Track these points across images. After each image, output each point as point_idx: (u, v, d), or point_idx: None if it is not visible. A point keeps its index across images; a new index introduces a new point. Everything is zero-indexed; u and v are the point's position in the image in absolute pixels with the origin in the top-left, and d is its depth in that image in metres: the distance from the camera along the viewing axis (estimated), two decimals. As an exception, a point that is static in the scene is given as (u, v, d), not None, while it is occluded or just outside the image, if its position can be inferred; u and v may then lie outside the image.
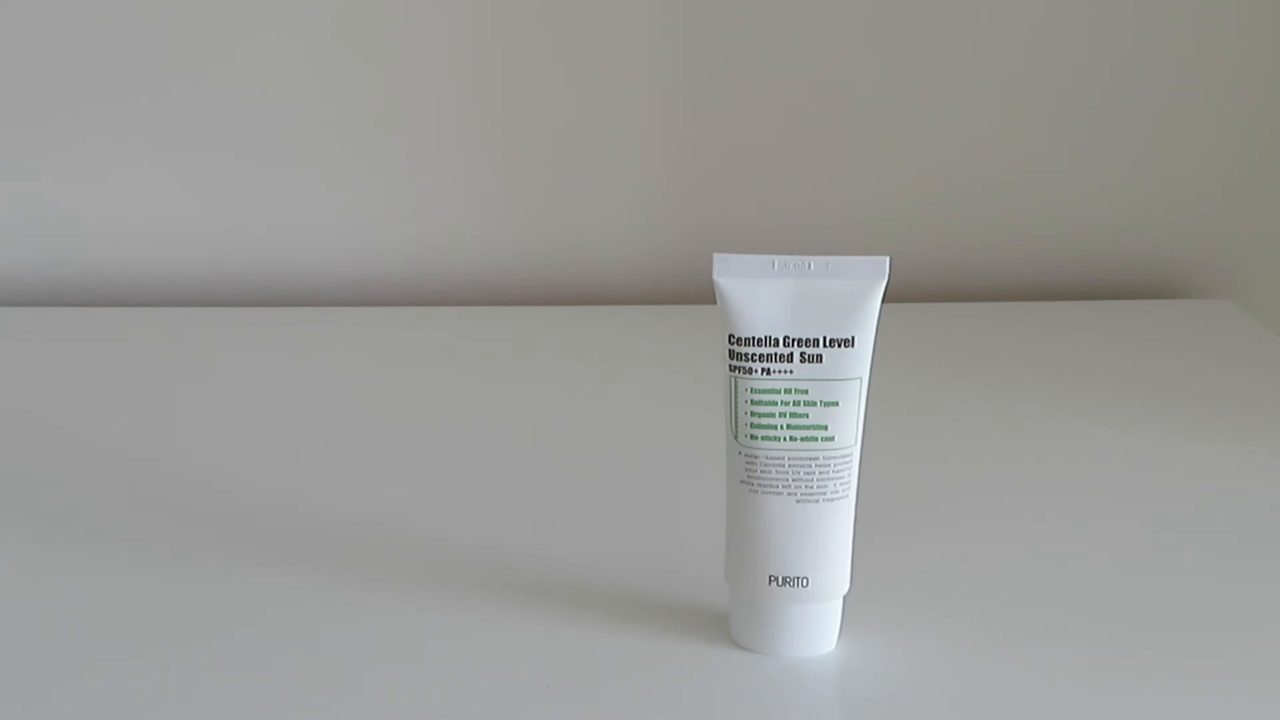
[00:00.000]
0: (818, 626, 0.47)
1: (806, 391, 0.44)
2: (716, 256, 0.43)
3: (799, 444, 0.44)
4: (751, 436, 0.44)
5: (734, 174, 0.80)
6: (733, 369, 0.44)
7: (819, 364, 0.43)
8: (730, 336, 0.44)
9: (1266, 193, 0.82)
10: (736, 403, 0.44)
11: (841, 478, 0.45)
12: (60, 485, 0.58)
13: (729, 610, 0.48)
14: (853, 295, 0.43)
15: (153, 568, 0.51)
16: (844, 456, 0.45)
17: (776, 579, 0.46)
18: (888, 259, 0.43)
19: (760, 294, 0.43)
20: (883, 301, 0.43)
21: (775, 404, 0.44)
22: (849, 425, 0.44)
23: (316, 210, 0.80)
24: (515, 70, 0.76)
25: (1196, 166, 0.81)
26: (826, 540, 0.45)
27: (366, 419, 0.65)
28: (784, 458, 0.44)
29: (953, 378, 0.70)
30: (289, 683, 0.44)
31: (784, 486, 0.45)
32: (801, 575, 0.46)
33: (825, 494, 0.45)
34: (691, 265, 0.74)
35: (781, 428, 0.44)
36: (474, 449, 0.62)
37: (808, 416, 0.44)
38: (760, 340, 0.43)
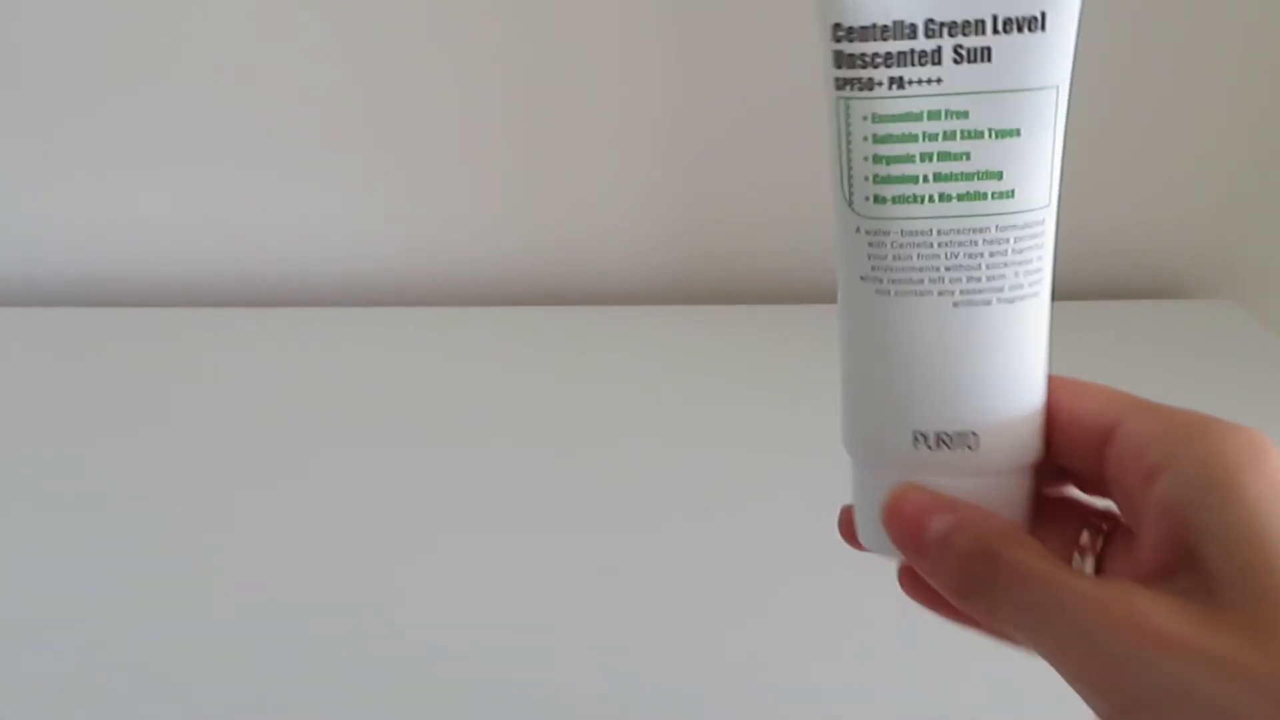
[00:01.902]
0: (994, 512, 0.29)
1: (966, 114, 0.27)
2: None
3: (956, 204, 0.27)
4: (878, 198, 0.28)
5: (732, 174, 0.79)
6: (842, 84, 0.27)
7: (986, 64, 0.27)
8: (836, 28, 0.27)
9: (1266, 193, 0.80)
10: (850, 142, 0.28)
11: (1027, 262, 0.28)
12: (57, 487, 0.56)
13: (850, 495, 0.31)
14: None
15: (149, 567, 0.50)
16: (1031, 226, 0.28)
17: (926, 437, 0.29)
18: None
19: None
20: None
21: (915, 138, 0.27)
22: (1038, 172, 0.27)
23: (315, 211, 0.79)
24: (513, 70, 0.75)
25: (1196, 166, 0.79)
26: (1007, 369, 0.28)
27: (365, 418, 0.63)
28: (932, 230, 0.28)
29: None
30: (286, 682, 0.44)
31: (934, 281, 0.28)
32: (967, 429, 0.28)
33: (1001, 291, 0.28)
34: (689, 265, 0.80)
35: (927, 179, 0.27)
36: (473, 449, 0.60)
37: (969, 158, 0.27)
38: (887, 30, 0.27)
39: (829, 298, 0.30)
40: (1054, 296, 0.81)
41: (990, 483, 0.29)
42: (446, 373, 0.69)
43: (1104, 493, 0.29)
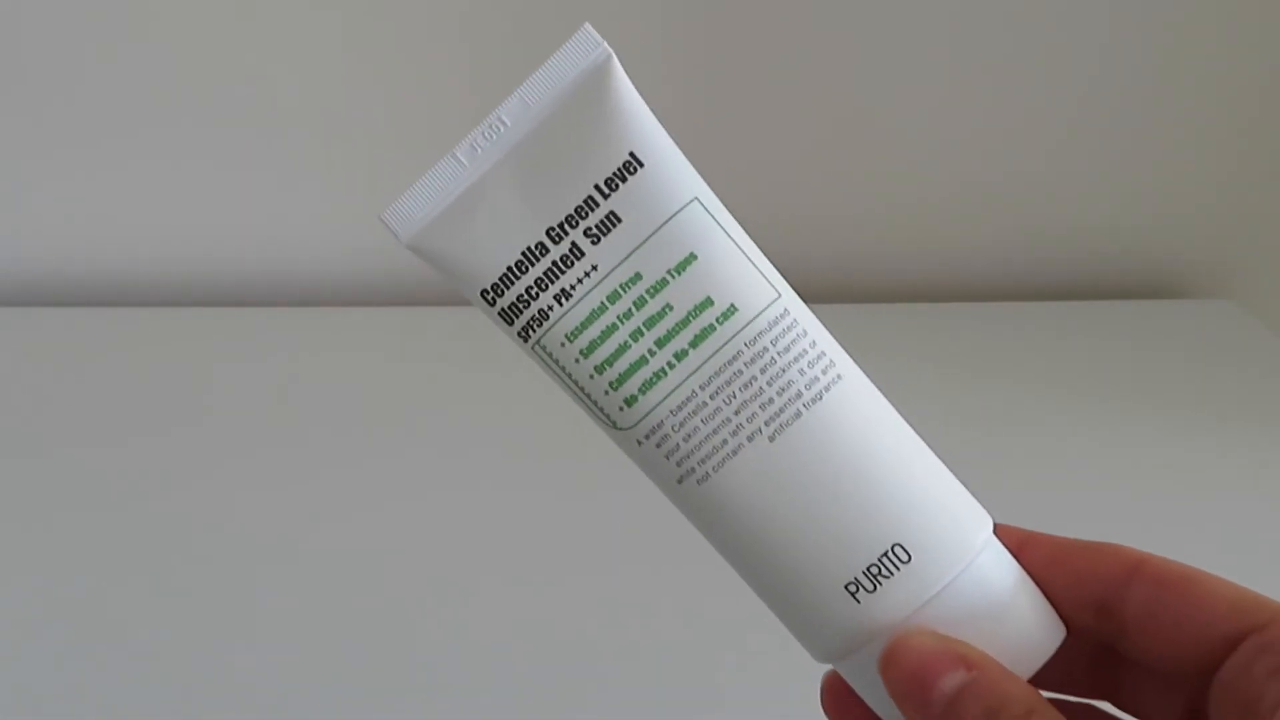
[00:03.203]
0: (1015, 611, 0.26)
1: (639, 276, 0.26)
2: (387, 213, 0.27)
3: (695, 352, 0.26)
4: (629, 400, 0.26)
5: (727, 172, 0.80)
6: (523, 333, 0.26)
7: (620, 225, 0.26)
8: (484, 295, 0.26)
9: (1266, 192, 0.80)
10: (570, 373, 0.26)
11: (804, 355, 0.26)
12: (56, 487, 0.56)
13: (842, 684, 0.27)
14: (582, 104, 0.26)
15: (149, 567, 0.50)
16: (777, 324, 0.26)
17: (860, 584, 0.25)
18: (586, 24, 0.27)
19: (477, 208, 0.26)
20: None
21: (615, 327, 0.26)
22: (742, 275, 0.26)
23: (316, 210, 0.78)
24: (514, 70, 0.73)
25: (1196, 165, 0.79)
26: (869, 461, 0.26)
27: (367, 418, 0.63)
28: (693, 390, 0.26)
29: (948, 378, 0.67)
30: (284, 680, 0.44)
31: (734, 432, 0.26)
32: (885, 545, 0.25)
33: (801, 396, 0.26)
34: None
35: (653, 351, 0.26)
36: (475, 449, 0.60)
37: (672, 307, 0.26)
38: (521, 264, 0.26)
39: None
40: (1052, 297, 0.79)
41: (990, 609, 0.25)
42: (449, 372, 0.68)
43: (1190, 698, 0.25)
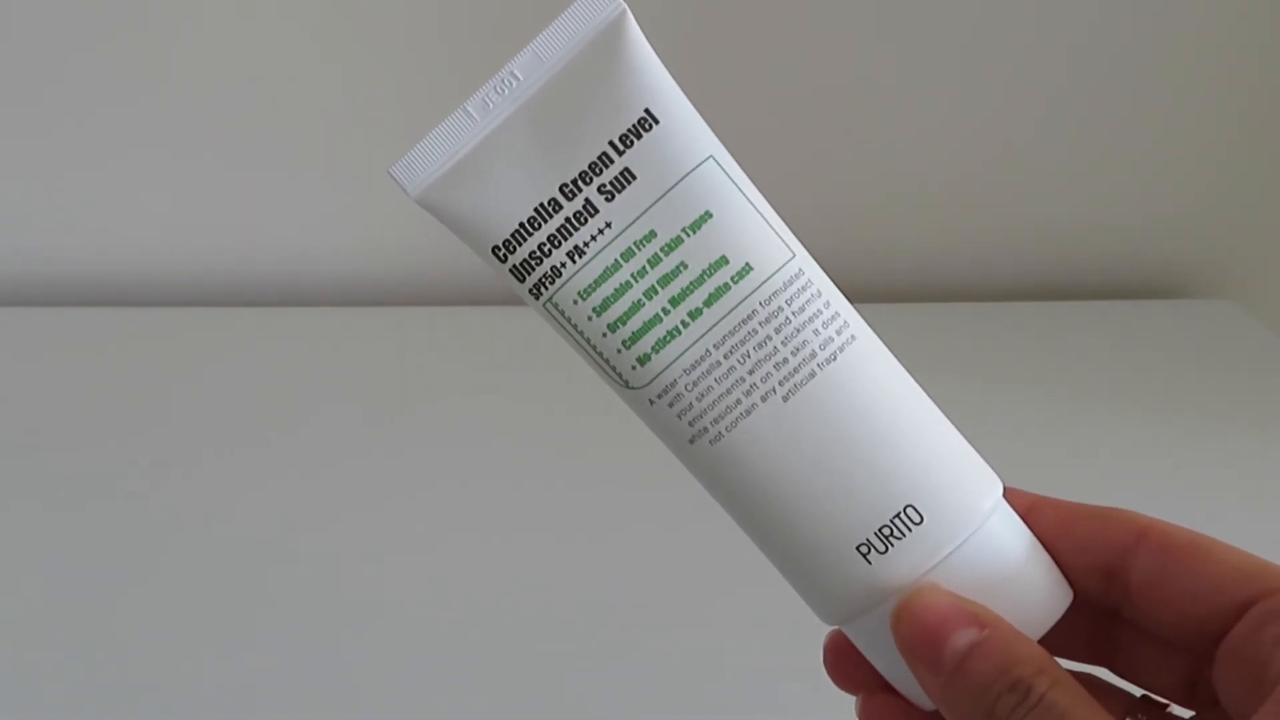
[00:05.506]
0: (1025, 573, 0.26)
1: (654, 234, 0.26)
2: (396, 167, 0.27)
3: (709, 311, 0.26)
4: (642, 359, 0.26)
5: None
6: (535, 290, 0.26)
7: (635, 182, 0.26)
8: (495, 251, 0.26)
9: (1266, 193, 0.80)
10: (582, 331, 0.26)
11: (818, 315, 0.26)
12: (57, 487, 0.56)
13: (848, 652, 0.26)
14: (596, 59, 0.26)
15: (148, 567, 0.50)
16: (792, 283, 0.26)
17: (873, 545, 0.25)
18: None
19: (490, 163, 0.26)
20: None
21: (629, 285, 0.26)
22: (758, 234, 0.26)
23: (316, 210, 0.78)
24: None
25: (1197, 164, 0.79)
26: (883, 420, 0.25)
27: (366, 418, 0.63)
28: (707, 349, 0.26)
29: (948, 379, 0.72)
30: (283, 682, 0.44)
31: (748, 392, 0.25)
32: (897, 506, 0.25)
33: (815, 356, 0.26)
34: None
35: (667, 310, 0.26)
36: (476, 449, 0.60)
37: (686, 266, 0.26)
38: (534, 220, 0.26)
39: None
40: (1053, 296, 0.79)
41: (1000, 572, 0.25)
42: (450, 373, 0.68)
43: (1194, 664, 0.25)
